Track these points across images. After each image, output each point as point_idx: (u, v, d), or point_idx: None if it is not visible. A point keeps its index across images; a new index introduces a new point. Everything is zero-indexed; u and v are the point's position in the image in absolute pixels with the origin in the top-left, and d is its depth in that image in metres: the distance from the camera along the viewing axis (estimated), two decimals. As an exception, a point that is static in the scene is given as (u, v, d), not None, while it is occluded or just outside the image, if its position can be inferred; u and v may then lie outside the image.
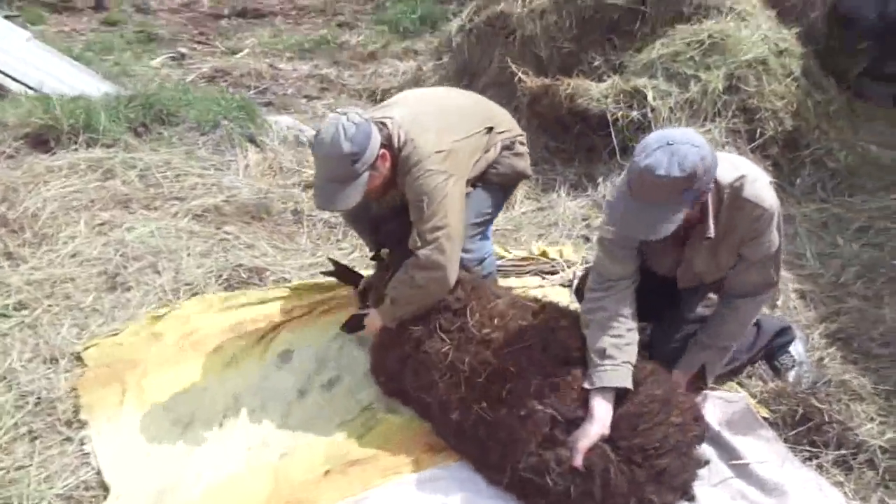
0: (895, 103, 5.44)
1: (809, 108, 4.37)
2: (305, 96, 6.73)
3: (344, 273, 3.14)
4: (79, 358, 2.84)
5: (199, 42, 8.97)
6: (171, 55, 8.07)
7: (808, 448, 2.51)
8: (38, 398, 2.61)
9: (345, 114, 2.46)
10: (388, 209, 2.91)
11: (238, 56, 8.05)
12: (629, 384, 2.23)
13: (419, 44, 8.15)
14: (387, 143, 2.55)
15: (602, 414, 2.17)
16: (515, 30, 5.31)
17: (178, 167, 4.33)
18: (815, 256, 3.59)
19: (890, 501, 2.31)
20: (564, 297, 3.23)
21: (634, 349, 2.31)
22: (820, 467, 2.44)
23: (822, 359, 2.87)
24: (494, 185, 2.95)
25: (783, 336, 2.78)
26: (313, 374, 2.75)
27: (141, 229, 3.62)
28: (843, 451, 2.47)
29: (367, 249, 3.38)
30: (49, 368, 2.77)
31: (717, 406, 2.59)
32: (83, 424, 2.53)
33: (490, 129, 2.83)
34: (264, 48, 8.44)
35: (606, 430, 2.16)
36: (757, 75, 4.25)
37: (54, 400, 2.62)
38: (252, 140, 4.96)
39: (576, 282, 3.26)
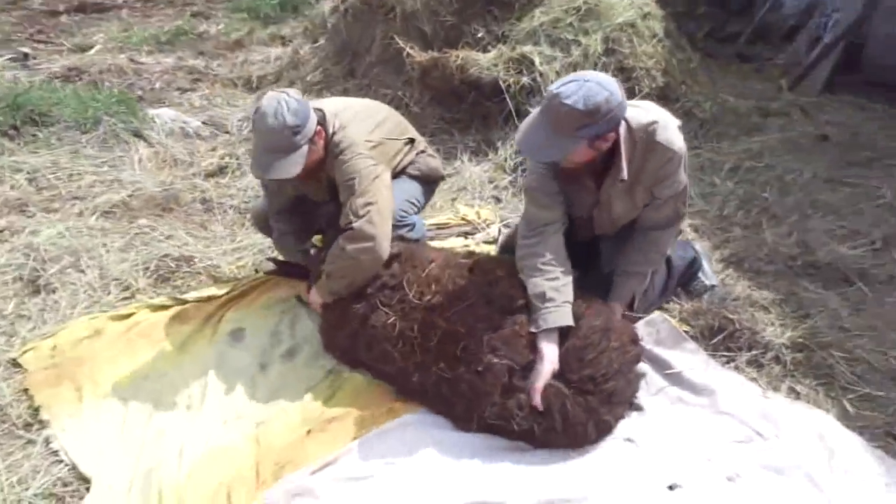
0: (739, 60, 6.03)
1: (675, 65, 4.81)
2: (178, 89, 6.50)
3: (287, 269, 3.16)
4: (16, 364, 2.72)
5: (39, 41, 8.37)
6: (11, 56, 7.50)
7: (725, 353, 2.85)
8: (-15, 407, 2.49)
9: (284, 92, 2.55)
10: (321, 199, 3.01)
11: (91, 53, 7.61)
12: (571, 322, 2.44)
13: (285, 29, 8.05)
14: (321, 125, 2.67)
15: (550, 353, 2.38)
16: (395, 7, 5.41)
17: (69, 167, 4.16)
18: (699, 196, 4.00)
19: (796, 387, 2.69)
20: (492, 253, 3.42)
21: (570, 288, 2.53)
22: (737, 368, 2.78)
23: (722, 279, 3.24)
24: (416, 177, 3.14)
25: (691, 267, 3.11)
26: (270, 347, 2.80)
27: (48, 231, 3.46)
28: (754, 353, 2.82)
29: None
30: (-14, 378, 2.64)
31: (645, 329, 2.88)
32: (43, 424, 2.46)
33: (411, 141, 3.09)
34: (117, 43, 8.02)
35: (556, 367, 2.38)
36: (629, 37, 4.62)
37: (3, 406, 2.51)
38: (138, 134, 4.81)
39: (501, 238, 3.46)
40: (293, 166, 2.57)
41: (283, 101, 2.51)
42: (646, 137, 2.48)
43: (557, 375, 2.38)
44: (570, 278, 2.55)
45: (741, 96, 5.12)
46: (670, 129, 2.51)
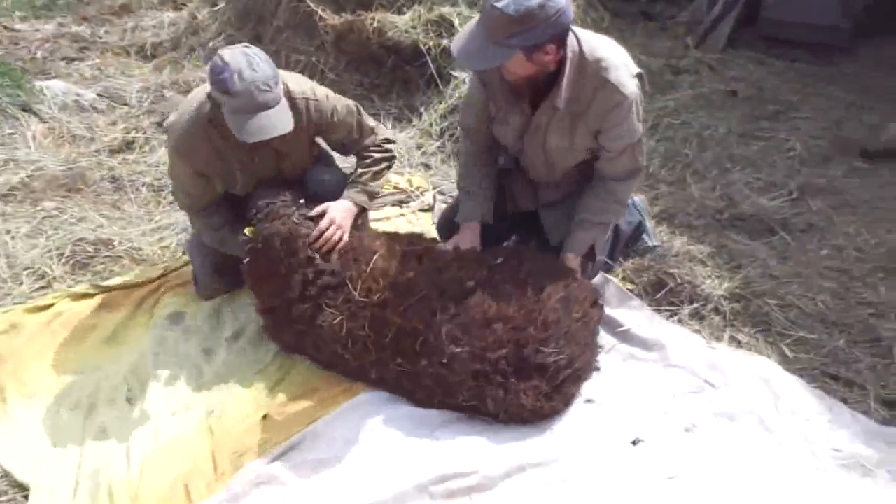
0: (644, 17, 6.14)
1: (589, 23, 4.84)
2: (63, 58, 6.01)
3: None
4: (-77, 367, 2.46)
5: None
6: None
7: (668, 308, 2.93)
8: None
9: (237, 47, 2.36)
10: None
11: (-47, 20, 6.93)
12: (489, 218, 2.75)
13: (176, -8, 7.57)
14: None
15: (471, 239, 2.70)
16: (300, -33, 5.18)
17: (-46, 146, 3.76)
18: (623, 153, 4.04)
19: (737, 336, 2.79)
20: (427, 222, 3.37)
21: (491, 186, 2.79)
22: (680, 321, 2.86)
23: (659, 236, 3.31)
24: None
25: (637, 230, 3.13)
26: (212, 331, 2.66)
27: (-60, 218, 3.14)
28: (695, 305, 2.91)
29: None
30: None
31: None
32: (-35, 433, 2.23)
33: None
34: (-18, 8, 7.33)
35: (478, 247, 2.69)
36: (544, -3, 4.58)
37: (-84, 416, 2.27)
38: (27, 109, 4.42)
39: (438, 210, 3.41)
40: (287, 120, 2.36)
41: (250, 54, 2.30)
42: (597, 71, 2.35)
43: (523, 371, 2.32)
44: (492, 176, 2.81)
45: (651, 55, 5.20)
46: (623, 72, 2.38)
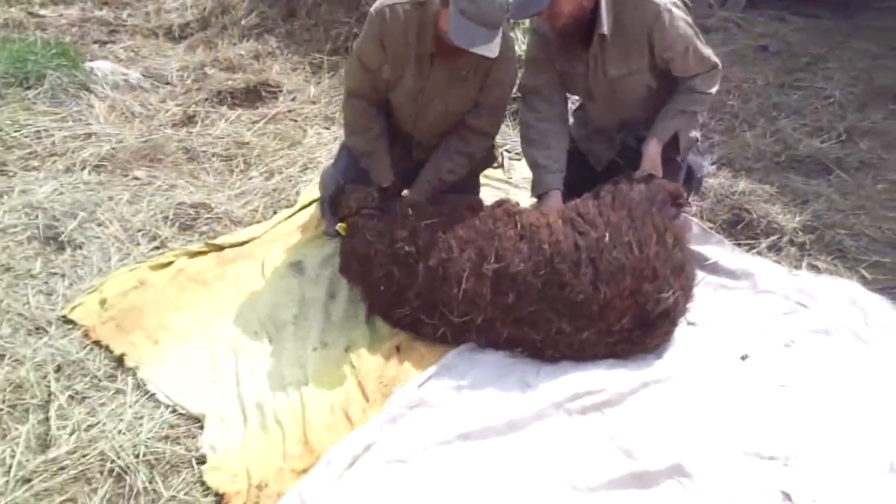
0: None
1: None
2: (96, 42, 6.05)
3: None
4: (68, 321, 2.59)
5: None
6: None
7: (746, 242, 3.12)
8: (58, 366, 2.38)
9: None
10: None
11: (-24, 8, 6.93)
12: (560, 186, 2.75)
13: (190, -26, 7.60)
14: None
15: (553, 203, 2.70)
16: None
17: (31, 123, 3.86)
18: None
19: (815, 264, 2.99)
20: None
21: (562, 154, 2.80)
22: (759, 254, 3.06)
23: (720, 180, 3.49)
24: None
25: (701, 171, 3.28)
26: (334, 276, 2.77)
27: (43, 189, 3.24)
28: (771, 238, 3.11)
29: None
30: (41, 339, 2.50)
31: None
32: (127, 373, 2.38)
33: None
34: (-4, -5, 7.33)
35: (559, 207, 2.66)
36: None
37: (78, 361, 2.40)
38: (86, 88, 4.50)
39: (508, 174, 3.55)
40: (495, 48, 2.42)
41: None
42: None
43: (648, 324, 2.45)
44: (563, 145, 2.82)
45: (680, 15, 5.37)
46: None
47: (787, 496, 1.99)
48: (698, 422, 2.23)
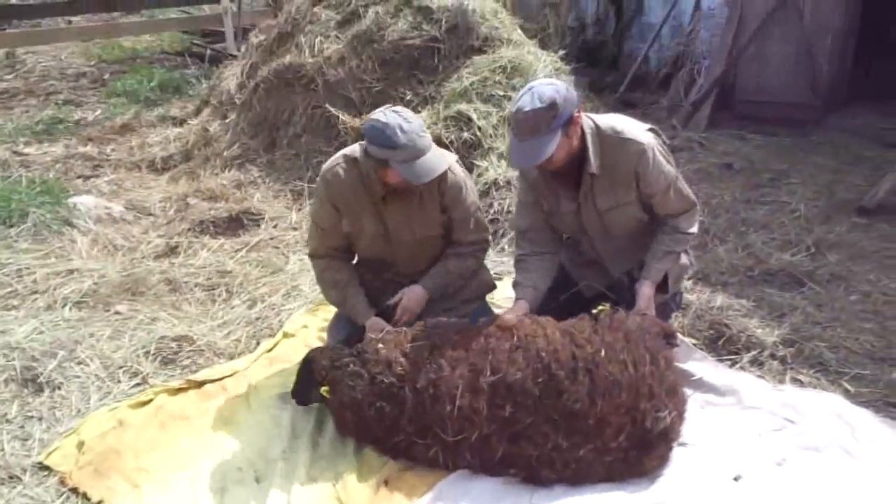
0: (624, 106, 6.65)
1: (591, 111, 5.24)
2: (79, 177, 6.17)
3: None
4: (44, 467, 2.51)
5: None
6: None
7: (728, 357, 3.15)
8: (32, 516, 2.29)
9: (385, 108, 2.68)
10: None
11: (-40, 149, 7.07)
12: (527, 298, 2.81)
13: (173, 110, 7.88)
14: None
15: (518, 308, 2.78)
16: (314, 78, 5.53)
17: (12, 262, 3.88)
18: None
19: (797, 377, 3.01)
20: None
21: (541, 279, 2.89)
22: (742, 369, 3.08)
23: (697, 296, 3.56)
24: None
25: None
26: (321, 406, 2.74)
27: (23, 328, 3.22)
28: (752, 353, 3.14)
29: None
30: (14, 488, 2.42)
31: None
32: (105, 521, 2.28)
33: None
34: (-15, 136, 7.51)
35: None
36: (550, 91, 4.98)
37: (53, 511, 2.31)
38: (69, 223, 4.57)
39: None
40: (442, 160, 2.69)
41: (398, 110, 2.65)
42: (614, 135, 2.70)
43: (646, 443, 2.43)
44: (543, 272, 2.92)
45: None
46: (636, 129, 2.74)
47: None
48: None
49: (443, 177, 2.72)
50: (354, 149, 2.83)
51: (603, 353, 2.46)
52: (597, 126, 2.71)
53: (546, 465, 2.41)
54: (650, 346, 2.55)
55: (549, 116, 2.49)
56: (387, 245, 2.91)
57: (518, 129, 2.56)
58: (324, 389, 2.61)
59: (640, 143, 2.70)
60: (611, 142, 2.71)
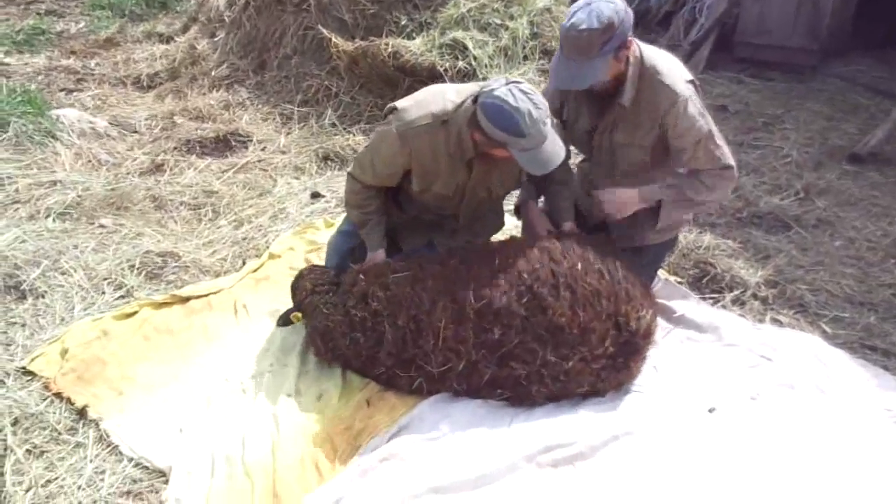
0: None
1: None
2: (62, 90, 6.03)
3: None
4: (27, 372, 2.51)
5: None
6: None
7: (711, 296, 3.18)
8: (15, 419, 2.30)
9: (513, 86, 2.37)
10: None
11: (-61, 54, 6.87)
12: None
13: (159, 26, 7.66)
14: None
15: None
16: (306, -2, 5.38)
17: (-7, 171, 3.80)
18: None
19: (777, 318, 3.05)
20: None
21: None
22: (724, 307, 3.12)
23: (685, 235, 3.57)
24: None
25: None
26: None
27: (4, 236, 3.18)
28: (735, 293, 3.17)
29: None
30: (-2, 390, 2.42)
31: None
32: (88, 425, 2.31)
33: None
34: (-39, 44, 7.28)
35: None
36: (548, 22, 4.90)
37: (35, 415, 2.33)
38: (51, 135, 4.47)
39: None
40: (561, 145, 2.47)
41: (528, 91, 2.34)
42: (652, 76, 2.55)
43: (630, 346, 2.49)
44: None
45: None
46: (675, 76, 2.56)
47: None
48: (667, 476, 2.24)
49: None
50: (445, 107, 2.50)
51: (580, 266, 2.48)
52: (642, 58, 2.56)
53: (536, 381, 2.44)
54: (615, 255, 2.61)
55: (605, 39, 2.32)
56: (453, 202, 2.75)
57: (568, 47, 2.39)
58: (296, 315, 2.60)
59: (675, 92, 2.54)
60: (649, 80, 2.56)
